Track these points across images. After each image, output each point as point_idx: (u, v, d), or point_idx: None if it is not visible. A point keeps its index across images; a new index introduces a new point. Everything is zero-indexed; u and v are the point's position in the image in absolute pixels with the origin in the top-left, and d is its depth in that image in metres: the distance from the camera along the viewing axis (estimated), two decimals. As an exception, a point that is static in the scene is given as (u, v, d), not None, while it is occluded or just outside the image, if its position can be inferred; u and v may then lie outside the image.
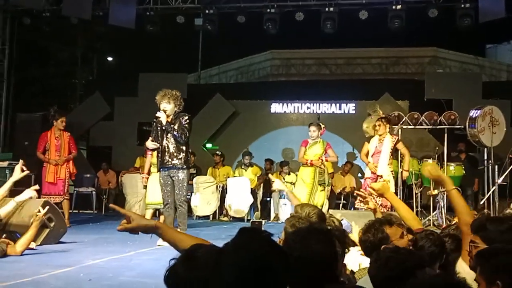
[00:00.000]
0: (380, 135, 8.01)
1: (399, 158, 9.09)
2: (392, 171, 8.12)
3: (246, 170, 11.25)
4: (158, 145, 6.72)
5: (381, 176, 7.71)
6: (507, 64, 22.78)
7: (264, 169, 11.91)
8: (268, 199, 11.29)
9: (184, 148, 6.67)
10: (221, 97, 13.16)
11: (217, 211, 10.78)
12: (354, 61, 20.58)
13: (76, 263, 5.11)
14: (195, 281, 1.56)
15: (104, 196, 11.93)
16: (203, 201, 10.53)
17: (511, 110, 11.28)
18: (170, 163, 6.61)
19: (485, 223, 2.58)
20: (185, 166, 6.66)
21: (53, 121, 8.59)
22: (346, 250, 2.55)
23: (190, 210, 9.67)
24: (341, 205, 11.14)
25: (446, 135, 9.86)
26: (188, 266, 1.61)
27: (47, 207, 5.90)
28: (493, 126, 9.11)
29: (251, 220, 9.96)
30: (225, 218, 10.66)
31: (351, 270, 2.91)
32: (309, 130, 8.47)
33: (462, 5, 10.91)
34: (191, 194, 10.34)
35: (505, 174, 8.90)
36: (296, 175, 9.55)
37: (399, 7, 11.18)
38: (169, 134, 6.65)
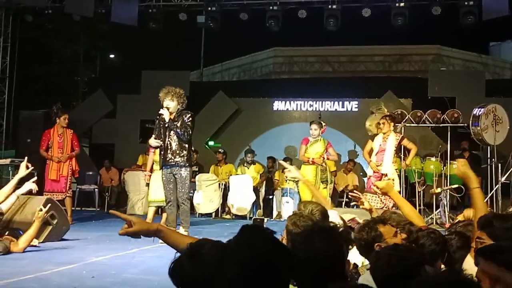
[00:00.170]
0: (384, 133, 8.00)
1: (402, 156, 9.08)
2: (396, 169, 8.10)
3: (248, 168, 11.24)
4: (161, 142, 6.72)
5: (386, 175, 7.69)
6: (510, 62, 22.73)
7: (267, 167, 11.90)
8: (271, 197, 11.28)
9: (186, 145, 6.66)
10: (223, 94, 13.15)
11: (219, 209, 10.78)
12: (357, 58, 20.56)
13: (79, 260, 5.11)
14: (200, 277, 1.55)
15: (107, 194, 11.94)
16: (206, 198, 10.54)
17: (515, 108, 11.24)
18: (172, 160, 6.61)
19: (492, 220, 2.59)
20: (187, 164, 6.66)
21: (56, 119, 8.60)
22: (350, 246, 2.56)
23: (192, 207, 9.66)
24: (343, 203, 11.12)
25: (449, 133, 9.83)
26: (193, 262, 1.61)
27: (48, 205, 5.90)
28: (497, 124, 9.08)
29: (253, 218, 9.96)
30: (228, 216, 10.65)
31: (354, 264, 2.91)
32: (310, 128, 8.46)
33: (466, 3, 10.87)
34: (194, 192, 10.34)
35: (508, 172, 8.88)
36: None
37: (402, 4, 11.14)
38: (171, 132, 6.64)
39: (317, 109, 12.81)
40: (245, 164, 11.40)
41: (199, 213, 10.55)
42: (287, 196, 10.40)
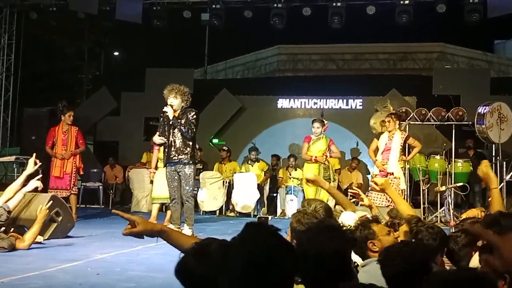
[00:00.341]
0: (389, 132, 7.98)
1: (406, 154, 9.05)
2: (402, 167, 8.09)
3: (252, 166, 11.24)
4: (165, 140, 6.73)
5: (392, 173, 7.69)
6: (515, 60, 22.63)
7: (271, 165, 11.90)
8: (275, 194, 11.28)
9: (190, 143, 6.67)
10: (227, 92, 13.15)
11: (223, 207, 10.79)
12: (361, 56, 20.51)
13: (84, 257, 5.13)
14: (207, 276, 1.55)
15: (111, 191, 11.96)
16: (210, 196, 10.54)
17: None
18: (176, 158, 6.61)
19: (499, 218, 2.59)
20: (191, 161, 6.66)
21: (61, 116, 8.61)
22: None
23: (196, 205, 9.68)
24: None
25: (454, 131, 9.80)
26: (200, 261, 1.61)
27: (49, 203, 5.90)
28: (501, 123, 9.05)
29: (257, 216, 9.97)
30: (232, 214, 10.66)
31: (354, 262, 2.93)
32: (312, 127, 8.45)
33: (471, 0, 10.83)
34: (198, 190, 10.35)
35: (513, 171, 8.86)
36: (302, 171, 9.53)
37: (407, 2, 11.10)
38: (176, 129, 6.65)
39: (321, 107, 12.79)
40: (249, 162, 11.40)
41: (203, 211, 10.56)
42: (291, 194, 10.40)
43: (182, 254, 1.71)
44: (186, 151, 6.62)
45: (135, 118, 12.92)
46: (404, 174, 8.52)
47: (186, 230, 6.55)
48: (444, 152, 9.77)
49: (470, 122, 9.62)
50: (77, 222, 7.44)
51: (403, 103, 11.62)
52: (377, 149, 8.08)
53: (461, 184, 9.19)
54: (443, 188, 9.20)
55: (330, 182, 8.51)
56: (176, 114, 6.65)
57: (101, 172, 12.13)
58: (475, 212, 3.77)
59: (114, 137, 13.24)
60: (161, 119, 6.84)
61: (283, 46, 21.02)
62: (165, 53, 20.35)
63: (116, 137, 13.18)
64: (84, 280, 4.17)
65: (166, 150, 6.73)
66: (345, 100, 12.99)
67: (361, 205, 4.11)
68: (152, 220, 8.26)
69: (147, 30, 13.74)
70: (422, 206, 9.23)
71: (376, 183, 4.00)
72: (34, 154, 6.03)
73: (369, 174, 11.52)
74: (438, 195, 9.48)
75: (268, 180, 11.41)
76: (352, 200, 7.46)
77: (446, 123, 9.93)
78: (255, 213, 10.47)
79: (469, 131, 10.16)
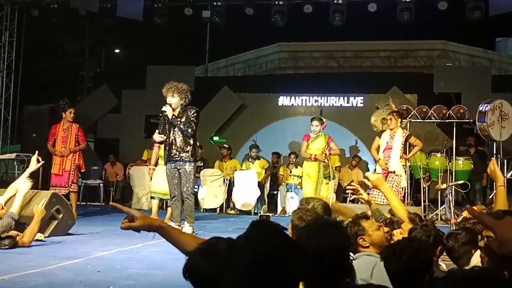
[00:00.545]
0: (391, 129, 7.97)
1: (407, 152, 9.04)
2: (403, 165, 8.09)
3: (253, 163, 11.24)
4: (165, 137, 6.72)
5: (394, 172, 7.69)
6: (517, 57, 22.59)
7: (271, 162, 11.89)
8: (275, 192, 11.28)
9: (191, 141, 6.66)
10: (228, 90, 13.14)
11: (224, 204, 10.79)
12: (362, 54, 20.48)
13: (84, 254, 5.14)
14: (216, 275, 1.55)
15: (112, 189, 11.97)
16: (210, 194, 10.54)
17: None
18: (177, 156, 6.61)
19: (503, 217, 2.58)
20: (192, 159, 6.66)
21: (62, 113, 8.60)
22: None
23: (197, 203, 9.68)
24: (348, 199, 11.09)
25: (454, 129, 9.79)
26: (209, 260, 1.60)
27: (45, 202, 5.88)
28: (503, 120, 9.03)
29: (259, 214, 9.96)
30: (232, 211, 10.67)
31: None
32: (311, 125, 8.44)
33: (472, -2, 10.81)
34: (198, 187, 10.34)
35: (514, 169, 8.85)
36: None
37: (408, -1, 11.09)
38: (176, 128, 6.64)
39: (322, 105, 12.78)
40: (249, 160, 11.40)
41: (203, 208, 10.56)
42: (291, 191, 10.40)
43: (189, 254, 1.69)
44: (187, 149, 6.62)
45: (136, 116, 12.93)
46: (405, 172, 8.51)
47: (187, 228, 6.56)
48: (445, 150, 9.76)
49: (471, 120, 9.61)
50: (77, 219, 7.44)
51: (404, 100, 11.61)
52: (379, 147, 8.07)
53: (461, 182, 9.16)
54: (444, 186, 9.17)
55: (330, 179, 8.53)
56: (176, 113, 6.64)
57: (101, 170, 12.13)
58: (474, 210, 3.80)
59: (114, 135, 13.24)
60: (162, 117, 6.84)
61: (284, 44, 21.00)
62: (166, 50, 20.33)
63: (117, 134, 13.18)
64: (84, 277, 4.18)
65: (167, 148, 6.73)
66: (346, 98, 12.98)
67: (360, 198, 4.12)
68: (153, 217, 8.28)
69: (148, 27, 13.72)
70: (422, 204, 9.22)
71: (368, 179, 3.99)
72: (37, 152, 6.03)
73: (370, 171, 11.51)
74: (439, 193, 9.47)
75: (269, 177, 11.40)
76: (351, 198, 7.49)
77: (447, 121, 9.91)
78: (256, 211, 10.47)
79: (470, 129, 10.15)
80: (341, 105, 12.99)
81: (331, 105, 12.97)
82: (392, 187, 7.80)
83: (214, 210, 10.67)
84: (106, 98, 13.25)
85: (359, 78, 14.45)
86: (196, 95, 7.60)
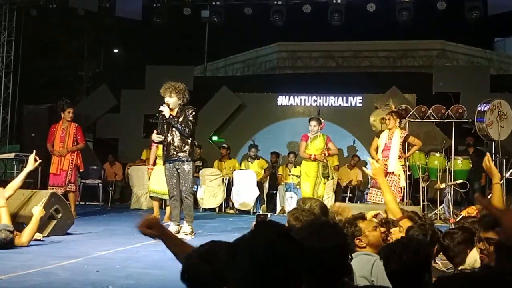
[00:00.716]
0: (389, 129, 7.98)
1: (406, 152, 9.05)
2: (402, 165, 8.10)
3: (252, 163, 11.24)
4: (163, 138, 6.72)
5: (393, 173, 7.70)
6: (515, 57, 22.61)
7: (270, 162, 11.90)
8: (274, 192, 11.29)
9: (189, 140, 6.66)
10: (227, 89, 13.14)
11: (223, 204, 10.79)
12: (361, 54, 20.48)
13: (83, 254, 5.14)
14: (214, 277, 1.55)
15: (111, 188, 11.96)
16: (209, 193, 10.54)
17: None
18: (175, 156, 6.61)
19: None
20: (190, 159, 6.65)
21: (61, 113, 8.59)
22: None
23: (196, 202, 9.68)
24: (347, 198, 11.11)
25: (453, 128, 9.80)
26: (208, 261, 1.60)
27: (43, 202, 5.87)
28: (501, 120, 9.03)
29: (256, 214, 9.96)
30: (231, 211, 10.67)
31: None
32: (309, 125, 8.44)
33: (471, -2, 10.82)
34: (197, 187, 10.35)
35: (512, 168, 8.86)
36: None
37: (407, -1, 11.09)
38: (174, 128, 6.64)
39: (321, 104, 12.79)
40: (248, 159, 11.40)
41: (202, 208, 10.56)
42: (290, 191, 10.40)
43: (187, 256, 1.70)
44: (185, 149, 6.61)
45: (135, 116, 12.93)
46: (404, 171, 8.52)
47: (186, 227, 6.56)
48: (443, 149, 9.77)
49: (470, 120, 9.62)
50: (76, 219, 7.43)
51: (403, 100, 11.63)
52: (377, 147, 8.08)
53: (460, 181, 9.20)
54: (443, 185, 9.21)
55: (328, 180, 8.54)
56: (174, 113, 6.64)
57: (100, 169, 12.13)
58: (473, 210, 3.82)
59: (114, 134, 13.24)
60: (160, 117, 6.84)
61: (283, 44, 21.00)
62: (165, 50, 20.33)
63: (116, 134, 13.18)
64: (83, 277, 4.18)
65: (165, 148, 6.73)
66: (344, 98, 12.99)
67: (359, 201, 4.22)
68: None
69: (147, 27, 13.71)
70: (421, 204, 9.23)
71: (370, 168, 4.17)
72: (34, 151, 6.02)
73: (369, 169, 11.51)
74: (438, 192, 9.49)
75: (268, 177, 11.41)
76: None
77: (446, 120, 9.92)
78: (255, 210, 10.47)
79: (469, 129, 10.15)
80: (340, 105, 13.00)
81: (330, 105, 12.97)
82: (391, 187, 7.81)
83: (213, 209, 10.67)
84: (105, 98, 13.25)
85: (358, 78, 14.46)
86: (195, 95, 7.60)
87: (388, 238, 3.20)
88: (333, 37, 18.45)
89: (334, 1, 11.25)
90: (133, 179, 11.08)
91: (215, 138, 13.28)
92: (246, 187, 10.39)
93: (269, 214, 9.70)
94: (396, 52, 20.51)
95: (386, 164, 7.83)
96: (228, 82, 13.90)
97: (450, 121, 9.84)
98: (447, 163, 9.56)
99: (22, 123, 12.45)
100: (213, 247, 1.67)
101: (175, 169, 6.64)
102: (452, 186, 9.22)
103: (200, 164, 11.17)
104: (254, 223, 1.53)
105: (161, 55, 18.86)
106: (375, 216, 3.89)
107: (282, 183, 10.94)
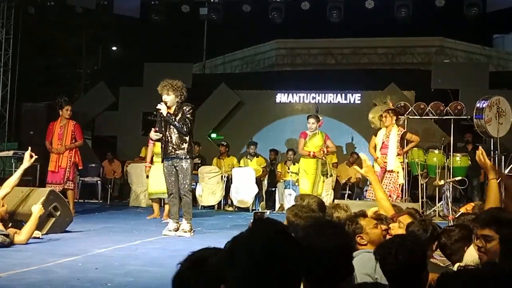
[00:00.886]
0: (386, 127, 7.98)
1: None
2: (401, 162, 8.10)
3: (251, 161, 11.24)
4: (161, 135, 6.70)
5: (391, 171, 7.71)
6: (514, 54, 22.62)
7: (269, 159, 11.89)
8: (273, 189, 11.29)
9: (187, 138, 6.64)
10: (226, 87, 13.13)
11: (222, 201, 10.79)
12: (360, 51, 20.49)
13: (82, 252, 5.12)
14: (206, 284, 1.53)
15: (109, 186, 11.96)
16: (208, 191, 10.54)
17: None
18: (173, 153, 6.59)
19: (498, 215, 2.56)
20: (188, 156, 6.64)
21: (59, 110, 8.58)
22: None
23: (195, 200, 9.67)
24: (346, 195, 11.12)
25: (452, 125, 9.81)
26: (198, 270, 1.59)
27: (42, 200, 5.86)
28: (500, 117, 9.04)
29: (254, 211, 9.96)
30: (230, 208, 10.67)
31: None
32: (307, 122, 8.44)
33: (470, -6, 10.81)
34: (196, 184, 10.34)
35: (511, 165, 8.85)
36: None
37: (405, -4, 11.08)
38: (171, 125, 6.63)
39: (320, 102, 12.78)
40: (247, 157, 11.40)
41: (201, 205, 10.56)
42: (289, 188, 10.40)
43: (178, 266, 1.67)
44: (183, 146, 6.60)
45: (133, 113, 12.91)
46: (403, 168, 8.53)
47: (185, 225, 6.55)
48: (442, 146, 9.77)
49: (468, 116, 9.62)
50: (75, 217, 7.41)
51: (401, 97, 11.62)
52: (375, 145, 8.09)
53: (459, 178, 9.19)
54: (442, 182, 9.21)
55: (327, 177, 8.55)
56: (171, 110, 6.62)
57: (99, 167, 12.11)
58: (472, 206, 3.83)
59: (112, 132, 13.23)
60: (158, 115, 6.82)
61: (282, 41, 21.00)
62: (164, 47, 20.32)
63: (115, 131, 13.17)
64: (82, 274, 4.17)
65: (163, 145, 6.71)
66: (343, 95, 12.98)
67: (358, 198, 4.29)
68: (156, 217, 8.28)
69: (145, 24, 13.70)
70: (420, 200, 9.23)
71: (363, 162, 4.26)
72: (30, 148, 6.00)
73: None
74: (437, 189, 9.49)
75: (267, 174, 11.41)
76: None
77: (444, 117, 9.92)
78: (254, 208, 10.47)
79: (468, 125, 10.16)
80: (338, 102, 12.99)
81: (328, 102, 12.96)
82: (390, 184, 7.82)
83: (212, 207, 10.67)
84: (103, 96, 13.22)
85: (356, 75, 14.46)
86: (193, 92, 7.60)
87: (388, 233, 3.21)
88: (332, 34, 18.46)
89: (333, -2, 11.25)
90: (132, 177, 11.07)
91: (213, 135, 13.27)
92: (245, 184, 10.39)
93: (268, 212, 9.71)
94: (395, 49, 20.53)
95: (385, 162, 7.83)
96: (226, 79, 13.89)
97: (449, 118, 9.85)
98: (446, 160, 9.57)
99: (20, 121, 12.43)
100: (204, 254, 1.64)
101: (173, 166, 6.63)
102: (451, 183, 9.22)
103: (199, 161, 11.16)
104: (252, 221, 1.52)
105: (159, 52, 18.85)
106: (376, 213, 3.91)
107: (281, 181, 10.94)
